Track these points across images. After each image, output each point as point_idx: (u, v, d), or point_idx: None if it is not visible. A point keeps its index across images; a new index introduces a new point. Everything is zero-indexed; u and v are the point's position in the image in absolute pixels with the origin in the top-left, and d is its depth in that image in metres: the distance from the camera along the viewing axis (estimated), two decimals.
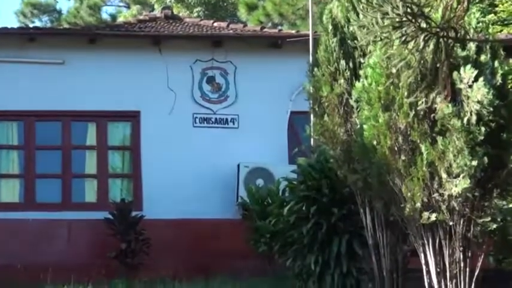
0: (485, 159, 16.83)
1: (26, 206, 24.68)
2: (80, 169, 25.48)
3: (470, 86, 17.00)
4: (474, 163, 16.77)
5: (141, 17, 37.98)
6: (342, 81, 19.09)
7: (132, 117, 25.25)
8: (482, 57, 17.44)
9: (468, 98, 17.06)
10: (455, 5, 17.23)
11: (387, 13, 16.69)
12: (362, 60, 18.63)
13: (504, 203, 17.51)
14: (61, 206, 24.85)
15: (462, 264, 17.34)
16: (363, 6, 17.89)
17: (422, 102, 17.37)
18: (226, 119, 25.25)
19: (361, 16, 18.19)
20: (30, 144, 25.10)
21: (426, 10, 16.71)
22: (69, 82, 24.62)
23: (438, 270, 17.54)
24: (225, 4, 48.55)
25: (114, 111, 25.21)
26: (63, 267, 21.94)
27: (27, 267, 21.79)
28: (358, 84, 18.31)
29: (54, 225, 24.09)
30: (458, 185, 16.89)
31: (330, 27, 19.65)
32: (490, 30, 19.37)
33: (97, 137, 25.53)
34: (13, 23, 56.71)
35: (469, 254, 17.32)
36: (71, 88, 24.69)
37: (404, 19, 16.70)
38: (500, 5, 26.12)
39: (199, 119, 25.21)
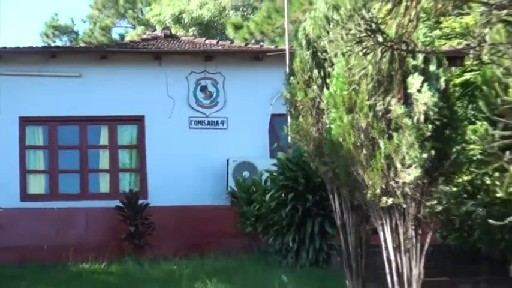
0: (432, 152, 16.96)
1: (50, 196, 24.67)
2: (95, 165, 25.48)
3: (419, 91, 17.15)
4: (423, 155, 16.91)
5: (144, 36, 38.00)
6: (314, 87, 19.17)
7: (138, 121, 25.25)
8: (429, 67, 17.62)
9: (417, 100, 17.20)
10: (406, 23, 17.30)
11: (351, 29, 16.78)
12: (330, 70, 18.77)
13: (448, 188, 17.60)
14: (79, 196, 24.84)
15: (414, 240, 17.46)
16: (331, 24, 18.07)
17: (380, 105, 17.53)
18: (217, 121, 25.26)
19: (329, 32, 18.40)
20: (53, 144, 25.10)
21: (382, 27, 16.78)
22: (84, 92, 24.63)
23: (394, 245, 17.64)
24: (215, 24, 48.40)
25: (123, 115, 25.21)
26: (82, 247, 21.97)
27: (52, 248, 21.80)
28: (326, 91, 18.46)
29: (74, 213, 24.11)
30: (411, 174, 17.04)
31: (304, 42, 19.72)
32: (436, 44, 19.39)
33: (109, 138, 25.51)
34: (38, 42, 56.63)
35: (420, 231, 17.44)
36: (86, 97, 24.70)
37: (364, 35, 16.77)
38: (445, 22, 26.16)
39: (194, 122, 25.22)
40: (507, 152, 15.64)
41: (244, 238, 22.28)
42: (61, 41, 61.22)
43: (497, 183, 16.75)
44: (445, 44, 25.09)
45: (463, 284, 18.81)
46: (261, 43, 35.81)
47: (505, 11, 15.93)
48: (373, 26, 16.64)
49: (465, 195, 18.86)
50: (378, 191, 17.34)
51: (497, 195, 16.98)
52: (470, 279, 19.09)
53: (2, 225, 22.15)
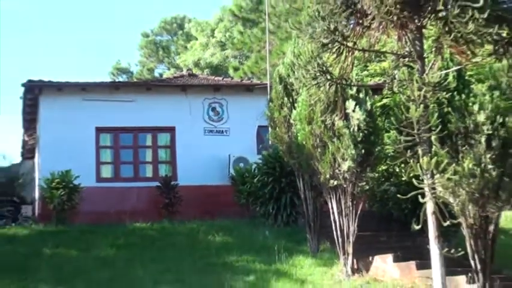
0: (362, 151, 17.18)
1: (115, 179, 24.65)
2: (143, 158, 25.42)
3: (353, 111, 17.38)
4: (355, 152, 17.15)
5: (175, 75, 38.16)
6: (285, 109, 19.37)
7: (171, 130, 25.23)
8: (360, 95, 17.80)
9: (352, 117, 17.43)
10: (345, 66, 17.49)
11: (309, 71, 16.95)
12: (296, 97, 18.94)
13: (372, 174, 17.78)
14: (133, 179, 24.81)
15: (351, 208, 17.61)
16: (296, 67, 18.23)
17: (328, 120, 17.75)
18: (222, 130, 25.27)
19: (295, 72, 18.58)
20: (117, 145, 25.13)
21: (330, 69, 16.98)
22: (137, 111, 24.61)
23: (338, 211, 17.77)
24: (221, 67, 48.43)
25: (161, 126, 25.18)
26: (135, 212, 21.94)
27: (116, 213, 21.81)
28: (294, 111, 18.74)
29: (129, 190, 24.07)
30: (348, 164, 17.28)
31: (278, 79, 19.91)
32: (364, 80, 19.57)
33: (152, 141, 25.49)
34: (107, 78, 56.55)
35: (354, 202, 17.63)
36: (138, 115, 24.67)
37: (318, 74, 16.96)
38: (370, 66, 26.25)
39: (207, 131, 25.21)
40: (408, 151, 15.83)
41: (240, 207, 22.37)
42: (122, 78, 61.13)
43: (403, 171, 16.89)
44: (370, 80, 25.30)
45: (381, 237, 19.06)
46: (251, 79, 35.82)
47: (406, 59, 16.16)
48: (324, 68, 16.87)
49: (383, 179, 19.06)
50: (328, 176, 17.62)
51: (403, 179, 17.12)
52: (386, 233, 19.35)
53: (84, 197, 22.18)
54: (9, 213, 24.05)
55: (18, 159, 30.86)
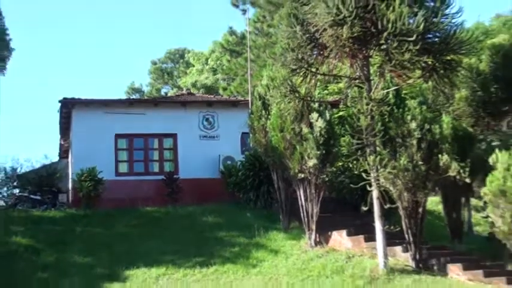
0: (323, 151, 17.27)
1: (129, 173, 24.36)
2: (151, 157, 25.24)
3: (316, 121, 17.47)
4: (318, 152, 17.24)
5: (177, 94, 38.09)
6: (263, 119, 19.32)
7: (173, 136, 25.00)
8: (321, 108, 17.90)
9: (315, 126, 17.52)
10: (309, 86, 17.62)
11: (281, 90, 17.08)
12: (271, 111, 18.93)
13: (331, 169, 17.84)
14: (144, 173, 24.51)
15: (314, 195, 17.70)
16: (271, 87, 18.33)
17: (297, 128, 17.82)
18: (214, 136, 24.96)
19: (271, 91, 18.66)
20: (131, 148, 24.90)
21: (298, 89, 17.11)
22: (147, 121, 24.36)
23: (304, 198, 17.85)
24: (213, 87, 48.37)
25: (166, 133, 24.89)
26: (145, 199, 21.76)
27: (130, 199, 21.56)
28: (269, 122, 18.77)
29: (141, 182, 23.80)
30: (312, 162, 17.38)
31: (258, 96, 19.93)
32: (325, 97, 19.67)
33: (158, 144, 25.28)
34: (123, 96, 56.37)
35: (317, 191, 17.71)
36: (148, 124, 24.42)
37: (288, 92, 17.10)
38: (330, 86, 26.22)
39: (202, 136, 24.86)
40: (358, 151, 16.01)
41: (227, 195, 22.16)
42: (135, 96, 60.91)
43: (355, 166, 17.01)
44: (329, 97, 25.42)
45: (338, 217, 18.86)
46: (236, 97, 35.85)
47: (357, 81, 16.34)
48: (293, 88, 17.00)
49: (339, 173, 19.09)
50: (296, 170, 17.69)
51: (355, 172, 17.23)
52: (341, 214, 19.27)
53: (106, 188, 22.09)
54: (49, 200, 24.01)
55: (56, 158, 30.77)
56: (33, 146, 67.35)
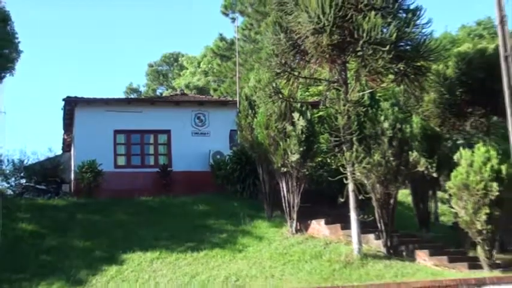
0: (304, 147, 17.31)
1: (127, 166, 24.14)
2: (147, 151, 25.05)
3: (298, 120, 17.50)
4: (299, 149, 17.29)
5: (171, 94, 38.07)
6: (249, 118, 19.31)
7: (168, 132, 24.83)
8: (303, 109, 17.92)
9: (297, 124, 17.55)
10: (292, 88, 17.65)
11: (266, 91, 17.11)
12: (257, 110, 18.91)
13: (311, 164, 17.84)
14: (140, 166, 24.35)
15: (295, 187, 17.73)
16: (257, 89, 18.32)
17: (280, 126, 17.83)
18: (205, 133, 24.84)
19: (256, 92, 18.64)
20: (129, 142, 24.68)
21: (282, 90, 17.16)
22: (143, 119, 24.14)
23: (287, 190, 17.90)
24: (205, 88, 48.24)
25: (160, 129, 24.62)
26: (141, 190, 21.66)
27: (128, 190, 21.36)
28: (255, 120, 18.77)
29: (138, 174, 23.69)
30: (294, 157, 17.41)
31: (245, 97, 19.94)
32: (306, 98, 19.68)
33: (153, 139, 25.09)
34: (122, 95, 56.08)
35: (298, 183, 17.75)
36: (144, 121, 24.18)
37: (273, 94, 17.14)
38: (311, 88, 26.21)
39: (194, 133, 24.68)
40: (336, 148, 16.08)
41: (216, 186, 22.05)
42: (133, 95, 60.58)
43: (333, 161, 17.10)
44: (310, 98, 25.46)
45: (318, 207, 18.81)
46: (226, 97, 35.82)
47: (335, 84, 16.39)
48: (277, 90, 17.05)
49: (319, 167, 19.08)
50: (279, 165, 17.71)
51: (333, 167, 17.32)
52: (320, 205, 19.21)
53: (105, 179, 21.99)
54: (53, 189, 23.89)
55: (59, 151, 30.57)
56: (39, 140, 66.97)
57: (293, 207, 17.70)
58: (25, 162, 26.44)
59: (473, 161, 14.79)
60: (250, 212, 19.03)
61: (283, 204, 18.00)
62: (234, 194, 21.03)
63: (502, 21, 13.04)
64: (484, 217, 14.40)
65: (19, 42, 20.63)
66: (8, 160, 26.54)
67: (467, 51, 19.36)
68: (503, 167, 14.43)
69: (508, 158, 13.83)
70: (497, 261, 15.04)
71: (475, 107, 18.63)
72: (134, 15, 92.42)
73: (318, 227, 17.82)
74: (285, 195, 17.97)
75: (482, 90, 17.47)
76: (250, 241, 17.21)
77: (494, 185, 14.27)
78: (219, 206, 20.18)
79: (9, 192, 25.28)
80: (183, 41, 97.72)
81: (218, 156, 23.39)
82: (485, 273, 14.33)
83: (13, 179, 26.05)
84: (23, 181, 25.84)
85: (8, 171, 26.26)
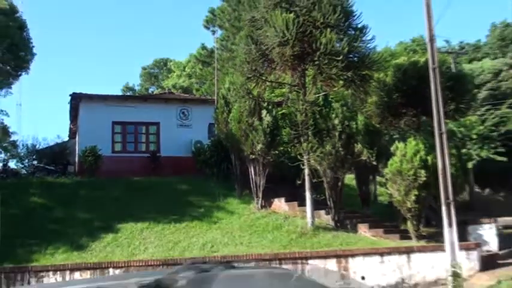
0: (269, 139, 17.31)
1: (123, 151, 23.73)
2: (140, 140, 24.80)
3: (265, 116, 17.43)
4: (265, 139, 17.30)
5: (161, 92, 37.69)
6: (225, 114, 19.19)
7: (157, 124, 24.56)
8: (269, 107, 17.91)
9: (264, 119, 17.54)
10: (261, 90, 17.64)
11: (240, 92, 17.09)
12: (232, 107, 18.81)
13: (275, 152, 17.85)
14: (134, 152, 24.01)
15: (262, 171, 17.73)
16: (232, 90, 18.26)
17: (250, 120, 17.81)
18: (188, 125, 24.56)
19: (231, 92, 18.58)
20: (125, 132, 24.30)
21: (252, 91, 17.15)
22: (137, 113, 23.77)
23: (254, 173, 17.92)
24: (189, 89, 47.79)
25: (151, 121, 24.31)
26: (134, 172, 21.47)
27: (123, 171, 21.08)
28: (230, 115, 18.67)
29: (131, 158, 23.35)
30: (261, 146, 17.42)
31: (222, 96, 19.79)
32: (272, 98, 19.62)
33: (145, 130, 24.83)
34: (119, 92, 55.26)
35: (264, 168, 17.76)
36: (137, 115, 23.83)
37: (245, 94, 17.12)
38: (275, 90, 25.91)
39: (179, 125, 24.44)
40: (295, 139, 16.13)
41: (197, 169, 21.84)
42: (129, 93, 59.67)
43: (292, 150, 17.13)
44: (275, 98, 25.38)
45: (279, 188, 18.52)
46: (206, 96, 35.54)
47: (296, 87, 16.40)
48: (248, 91, 17.02)
49: (281, 155, 19.01)
50: (249, 152, 17.71)
51: (292, 155, 17.37)
52: (281, 186, 19.05)
53: (105, 162, 21.74)
54: (60, 170, 23.51)
55: (66, 138, 30.10)
56: (49, 128, 66.12)
57: (259, 187, 17.75)
58: (37, 146, 26.01)
59: (406, 152, 15.02)
60: (223, 191, 19.00)
61: (251, 185, 18.02)
62: (211, 176, 20.91)
63: (431, 40, 13.19)
64: (413, 198, 14.69)
65: (33, 46, 20.35)
66: (22, 145, 26.25)
67: (403, 63, 19.52)
68: (429, 158, 14.70)
69: (433, 150, 14.04)
70: (423, 234, 15.36)
71: (408, 108, 18.78)
72: (133, 26, 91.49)
73: (279, 203, 17.91)
74: (253, 177, 17.99)
75: (415, 95, 17.62)
76: (224, 215, 17.24)
77: (422, 172, 14.56)
78: (198, 185, 20.10)
79: (24, 171, 24.90)
80: (171, 48, 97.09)
81: (199, 145, 23.23)
82: (413, 242, 14.61)
83: (27, 160, 25.61)
84: (35, 162, 25.41)
85: (22, 154, 25.86)
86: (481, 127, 29.09)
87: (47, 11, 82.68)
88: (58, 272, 13.54)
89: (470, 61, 39.90)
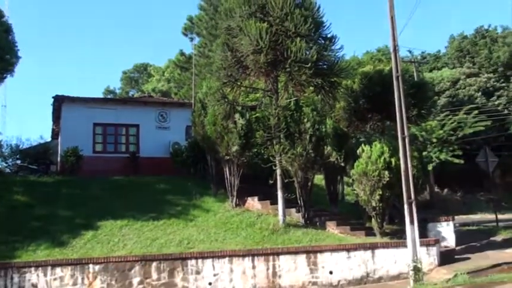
0: (243, 141, 17.09)
1: (103, 152, 22.91)
2: (120, 141, 24.30)
3: (239, 119, 17.40)
4: (239, 141, 17.23)
5: (141, 95, 37.30)
6: (202, 117, 19.03)
7: (137, 126, 24.20)
8: (244, 111, 17.80)
9: (238, 123, 17.42)
10: (236, 94, 17.59)
11: (215, 96, 17.01)
12: (208, 111, 18.68)
13: (249, 153, 17.78)
14: (114, 152, 23.47)
15: (236, 171, 17.60)
16: (208, 94, 18.14)
17: (225, 123, 17.69)
18: (166, 127, 24.27)
19: (208, 97, 18.45)
20: (105, 133, 23.75)
21: (228, 95, 17.08)
22: (117, 115, 23.47)
23: (229, 173, 17.76)
24: (168, 92, 47.47)
25: (131, 123, 23.90)
26: (114, 171, 21.15)
27: (103, 171, 20.78)
28: (206, 119, 18.48)
29: (111, 158, 22.89)
30: (235, 148, 17.34)
31: (199, 100, 19.61)
32: (246, 102, 19.53)
33: (126, 131, 24.34)
34: (101, 95, 54.56)
35: (239, 169, 17.66)
36: (117, 116, 23.53)
37: (220, 98, 17.04)
38: (250, 95, 25.93)
39: (158, 127, 24.11)
40: (268, 142, 16.08)
41: (175, 169, 21.60)
42: (110, 95, 58.99)
43: (265, 152, 17.10)
44: (250, 102, 25.33)
45: (253, 187, 18.37)
46: (184, 100, 35.34)
47: (269, 92, 16.39)
48: (224, 95, 16.95)
49: (254, 156, 18.89)
50: (224, 154, 17.60)
51: (265, 156, 17.26)
52: (254, 185, 18.96)
53: (86, 162, 21.42)
54: (43, 169, 23.09)
55: (49, 139, 29.57)
56: (32, 129, 64.90)
57: (234, 187, 17.68)
58: (20, 146, 25.48)
59: (371, 154, 15.17)
60: (200, 190, 18.85)
61: (226, 184, 17.93)
62: (188, 176, 20.77)
63: (395, 50, 13.36)
64: (377, 197, 14.83)
65: (18, 50, 19.97)
66: (6, 144, 25.62)
67: (369, 71, 19.71)
68: (393, 160, 14.87)
69: (397, 153, 14.20)
70: (387, 231, 15.54)
71: (374, 113, 18.96)
72: (114, 33, 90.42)
73: (253, 202, 17.88)
74: (228, 177, 17.91)
75: (380, 101, 17.81)
76: (200, 213, 17.13)
77: (386, 173, 14.72)
78: (176, 184, 19.92)
79: (7, 170, 24.39)
80: (151, 54, 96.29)
81: (176, 146, 23.06)
82: (377, 239, 14.75)
83: (10, 160, 25.09)
84: (19, 162, 24.90)
85: (6, 154, 25.31)
86: (441, 131, 29.58)
87: (31, 13, 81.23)
88: (40, 268, 13.31)
89: (431, 70, 40.71)
